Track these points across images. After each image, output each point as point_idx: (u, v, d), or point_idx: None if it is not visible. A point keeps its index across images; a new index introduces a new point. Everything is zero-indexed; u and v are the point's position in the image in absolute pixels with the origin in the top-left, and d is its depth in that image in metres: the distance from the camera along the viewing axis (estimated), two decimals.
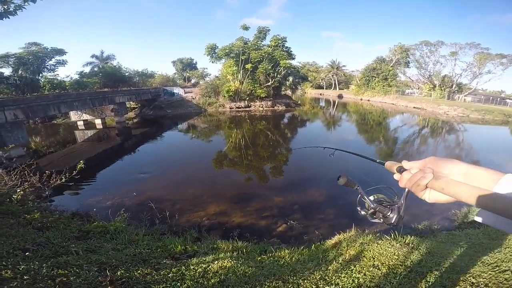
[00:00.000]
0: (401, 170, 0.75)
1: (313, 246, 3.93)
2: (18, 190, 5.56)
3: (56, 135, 20.92)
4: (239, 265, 2.90)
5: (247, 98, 32.72)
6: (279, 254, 3.65)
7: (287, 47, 34.02)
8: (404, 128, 25.13)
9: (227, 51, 31.65)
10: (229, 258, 3.09)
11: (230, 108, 31.64)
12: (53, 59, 30.34)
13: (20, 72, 27.81)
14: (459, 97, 43.76)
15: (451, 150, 16.48)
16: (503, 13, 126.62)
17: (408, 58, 47.93)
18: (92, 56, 39.60)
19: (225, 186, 9.11)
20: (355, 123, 27.44)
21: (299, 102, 41.01)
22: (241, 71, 31.61)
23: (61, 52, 30.47)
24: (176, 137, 19.83)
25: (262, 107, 33.14)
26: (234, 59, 31.74)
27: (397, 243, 3.51)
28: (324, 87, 74.91)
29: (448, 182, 0.61)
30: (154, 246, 3.73)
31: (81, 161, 6.51)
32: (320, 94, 69.53)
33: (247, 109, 32.42)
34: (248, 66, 30.49)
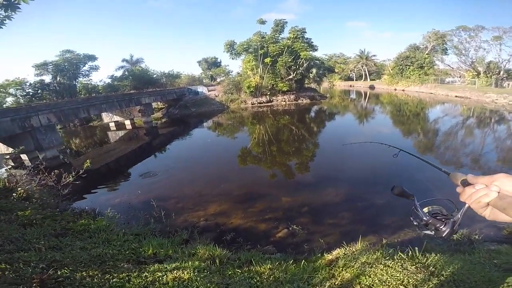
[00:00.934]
0: (465, 183, 0.73)
1: (303, 262, 3.23)
2: (19, 189, 5.69)
3: (93, 136, 22.46)
4: (199, 279, 2.50)
5: (269, 93, 32.01)
6: (259, 269, 3.07)
7: (307, 38, 32.59)
8: (446, 118, 22.46)
9: (245, 46, 31.29)
10: (192, 269, 2.77)
11: (252, 104, 31.19)
12: (86, 65, 32.60)
13: (58, 78, 30.18)
14: (509, 84, 38.59)
15: (501, 143, 14.31)
16: None
17: (445, 45, 43.71)
18: (123, 60, 42.08)
19: (234, 184, 8.73)
20: (389, 115, 25.38)
21: (325, 95, 39.25)
22: (260, 66, 31.01)
23: (92, 58, 32.58)
24: (199, 134, 20.00)
25: (284, 101, 32.22)
26: (253, 54, 31.25)
27: (412, 265, 2.69)
28: (354, 79, 71.11)
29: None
30: (127, 247, 3.56)
31: (87, 161, 6.62)
32: (350, 86, 66.09)
33: (269, 104, 31.72)
34: (267, 60, 29.79)
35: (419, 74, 44.30)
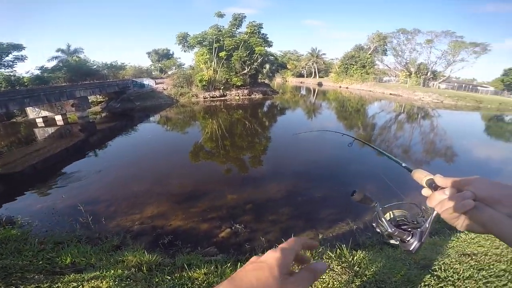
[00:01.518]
0: (432, 185, 0.61)
1: (239, 264, 3.04)
2: None
3: (16, 134, 19.32)
4: None
5: (222, 87, 31.35)
6: (193, 274, 2.82)
7: (263, 33, 32.75)
8: (382, 114, 25.01)
9: (199, 39, 30.06)
10: (114, 278, 2.58)
11: (204, 98, 30.20)
12: (10, 55, 27.50)
13: None
14: (433, 84, 44.60)
15: (426, 135, 16.44)
16: (481, 3, 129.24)
17: (385, 46, 48.19)
18: (58, 50, 36.51)
19: (176, 183, 8.20)
20: (334, 110, 27.16)
21: (277, 90, 40.14)
22: (215, 60, 30.15)
23: (18, 47, 27.65)
24: (143, 130, 18.48)
25: (238, 95, 31.97)
26: (207, 48, 30.26)
27: (338, 265, 2.66)
28: (305, 75, 74.31)
29: (493, 219, 0.49)
30: (42, 257, 3.30)
31: None
32: (301, 83, 69.03)
33: (223, 98, 31.13)
34: (222, 54, 29.08)
35: (361, 73, 48.25)
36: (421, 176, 0.67)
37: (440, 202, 0.57)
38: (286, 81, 72.42)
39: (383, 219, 0.79)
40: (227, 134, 15.31)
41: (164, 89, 31.24)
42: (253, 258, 0.45)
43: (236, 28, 32.05)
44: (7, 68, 27.75)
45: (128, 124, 20.50)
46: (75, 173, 9.33)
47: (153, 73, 46.79)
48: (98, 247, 4.21)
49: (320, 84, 60.01)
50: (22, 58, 28.54)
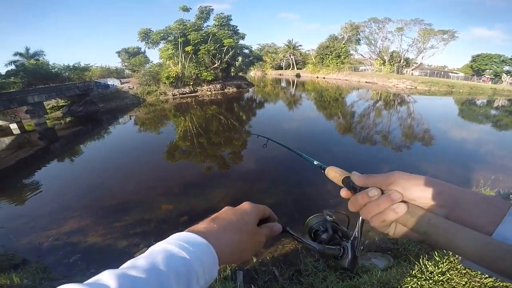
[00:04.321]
0: (350, 184, 0.52)
1: None
2: None
3: None
4: None
5: (192, 83, 29.76)
6: None
7: (232, 25, 31.35)
8: (360, 102, 24.56)
9: (162, 34, 28.37)
10: None
11: (174, 95, 28.51)
12: None
13: None
14: (407, 71, 45.22)
15: (403, 121, 16.07)
16: None
17: (358, 36, 48.34)
18: (16, 54, 33.43)
19: (110, 192, 7.07)
20: (313, 101, 26.50)
21: (252, 83, 38.99)
22: (181, 55, 28.50)
23: None
24: (104, 133, 16.81)
25: (210, 90, 30.47)
26: (172, 43, 28.64)
27: None
28: (283, 68, 73.77)
29: (432, 223, 0.40)
30: None
31: None
32: (280, 75, 68.71)
33: (193, 94, 29.58)
34: (188, 48, 27.50)
35: (337, 63, 48.19)
36: (336, 174, 0.58)
37: (365, 207, 0.46)
38: (266, 74, 71.61)
39: (302, 238, 0.61)
40: (182, 134, 13.97)
41: (130, 89, 29.29)
42: (228, 207, 0.56)
43: (204, 22, 30.57)
44: None
45: (92, 129, 18.94)
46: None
47: (125, 71, 44.40)
48: None
49: (298, 76, 59.89)
50: None
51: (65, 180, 8.56)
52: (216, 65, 30.46)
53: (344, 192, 0.53)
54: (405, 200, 0.43)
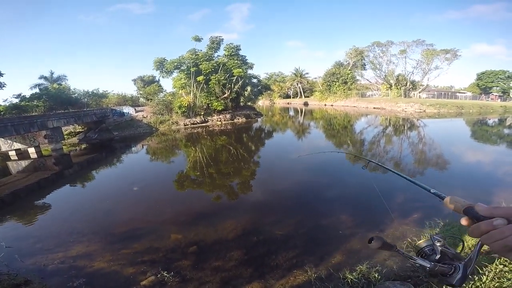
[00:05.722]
0: (472, 213, 0.58)
1: None
2: None
3: None
4: None
5: (203, 113, 30.65)
6: None
7: (242, 55, 32.86)
8: (369, 129, 24.44)
9: (176, 64, 29.90)
10: None
11: (185, 125, 29.30)
12: None
13: None
14: (414, 94, 45.32)
15: (415, 146, 15.80)
16: (443, 11, 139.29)
17: (363, 60, 49.35)
18: (41, 78, 36.13)
19: (120, 218, 7.21)
20: (322, 129, 26.54)
21: (260, 112, 39.73)
22: (194, 84, 29.73)
23: None
24: (119, 162, 17.26)
25: (220, 121, 31.17)
26: (185, 72, 30.03)
27: None
28: (291, 96, 75.16)
29: None
30: None
31: None
32: (288, 103, 69.67)
33: (204, 124, 30.27)
34: (200, 78, 28.73)
35: (344, 89, 48.86)
36: (457, 204, 0.64)
37: (489, 236, 0.52)
38: (274, 103, 72.90)
39: (414, 257, 0.73)
40: (192, 164, 14.19)
41: (144, 117, 30.39)
42: None
43: (214, 51, 32.14)
44: None
45: (106, 156, 19.51)
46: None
47: (140, 100, 46.25)
48: None
49: (306, 104, 60.52)
50: (1, 86, 27.76)
51: (76, 205, 8.81)
52: (226, 95, 31.43)
53: (466, 221, 0.59)
54: None
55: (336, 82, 49.61)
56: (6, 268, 4.79)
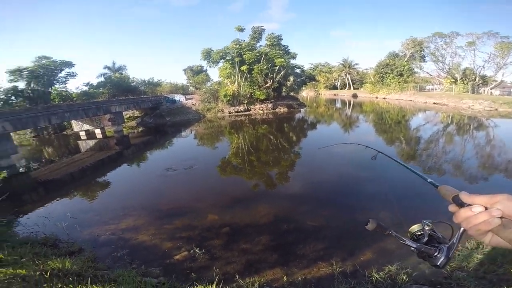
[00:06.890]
0: (458, 201, 0.64)
1: None
2: None
3: (67, 145, 21.96)
4: None
5: (246, 102, 31.29)
6: None
7: (284, 45, 32.35)
8: (427, 126, 22.02)
9: (221, 54, 30.92)
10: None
11: (229, 113, 30.41)
12: (63, 72, 31.48)
13: (32, 85, 28.77)
14: (484, 90, 39.17)
15: (481, 149, 13.77)
16: None
17: (422, 52, 44.18)
18: (105, 67, 40.98)
19: (166, 198, 7.91)
20: (372, 123, 24.83)
21: (304, 103, 38.84)
22: (238, 74, 30.44)
23: (69, 64, 31.55)
24: (171, 144, 19.02)
25: (262, 109, 31.50)
26: (230, 62, 30.87)
27: None
28: (338, 88, 71.66)
29: None
30: None
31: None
32: (335, 95, 66.58)
33: (247, 112, 30.99)
34: (244, 67, 29.28)
35: (399, 82, 44.66)
36: (447, 192, 0.70)
37: (466, 219, 0.59)
38: (319, 94, 70.40)
39: (404, 239, 0.80)
40: (234, 151, 14.73)
41: (193, 105, 32.36)
42: None
43: (256, 41, 32.35)
44: (61, 84, 31.49)
45: (159, 139, 21.46)
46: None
47: (190, 89, 49.02)
48: (49, 249, 4.57)
49: (355, 96, 56.97)
50: (73, 75, 32.29)
51: (131, 182, 9.93)
52: (268, 85, 31.51)
53: (452, 207, 0.66)
54: (505, 216, 0.54)
55: (390, 73, 45.51)
56: (67, 237, 5.51)
